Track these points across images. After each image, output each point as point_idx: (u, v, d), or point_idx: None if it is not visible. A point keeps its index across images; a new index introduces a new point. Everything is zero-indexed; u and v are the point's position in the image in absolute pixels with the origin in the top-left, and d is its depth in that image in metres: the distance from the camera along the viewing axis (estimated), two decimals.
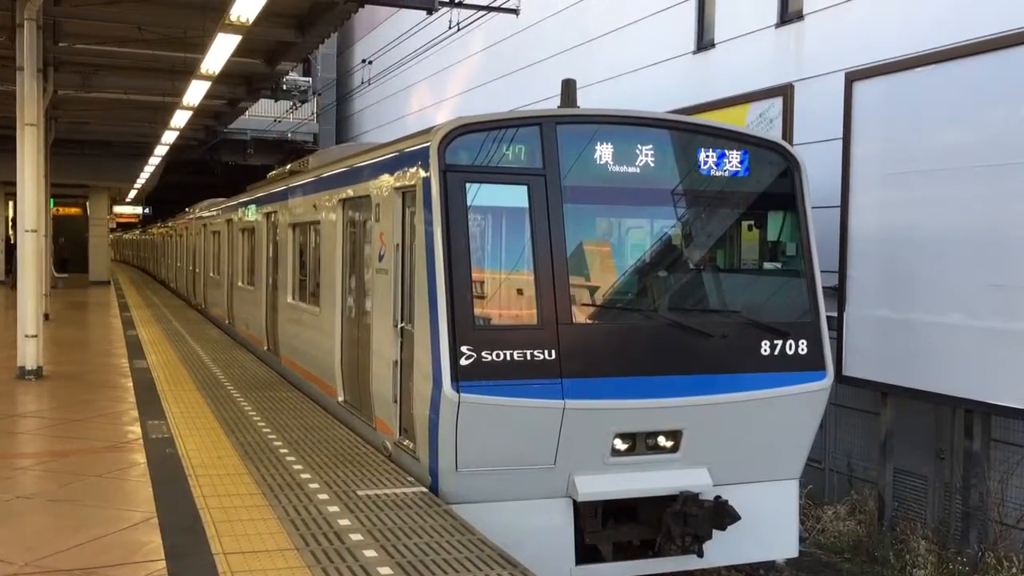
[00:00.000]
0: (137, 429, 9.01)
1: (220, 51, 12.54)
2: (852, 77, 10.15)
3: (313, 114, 37.44)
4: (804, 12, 13.19)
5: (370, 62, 28.61)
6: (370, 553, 5.54)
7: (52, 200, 26.73)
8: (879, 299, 9.74)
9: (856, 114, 10.07)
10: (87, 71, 18.45)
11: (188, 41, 14.46)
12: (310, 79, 35.21)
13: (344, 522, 6.14)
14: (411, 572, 5.24)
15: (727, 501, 7.39)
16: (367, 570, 5.25)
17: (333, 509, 6.43)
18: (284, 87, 21.91)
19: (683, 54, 15.82)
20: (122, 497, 6.83)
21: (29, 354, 12.19)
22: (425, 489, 7.04)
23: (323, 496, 6.74)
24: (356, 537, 5.84)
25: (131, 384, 11.68)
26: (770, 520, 7.93)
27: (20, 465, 7.85)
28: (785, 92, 10.84)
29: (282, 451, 8.15)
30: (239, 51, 12.84)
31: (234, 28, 11.12)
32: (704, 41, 15.48)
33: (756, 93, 11.44)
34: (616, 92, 16.71)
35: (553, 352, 7.01)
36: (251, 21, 10.81)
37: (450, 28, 19.18)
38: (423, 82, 28.52)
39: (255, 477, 7.24)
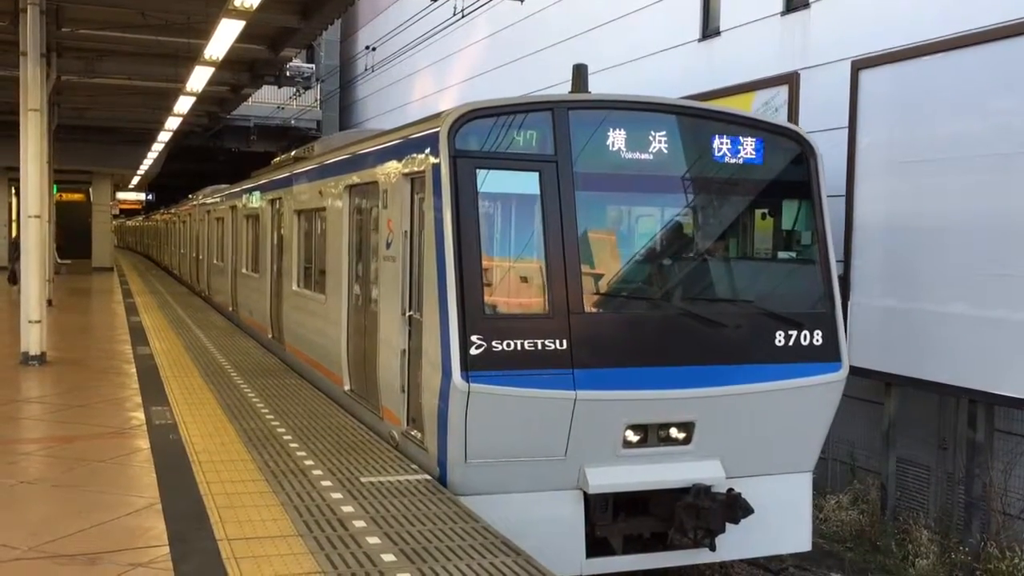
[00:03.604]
0: (141, 415, 9.02)
1: (223, 37, 12.48)
2: (858, 65, 10.11)
3: (317, 101, 37.42)
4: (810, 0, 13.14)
5: (374, 49, 28.59)
6: (373, 540, 5.54)
7: (55, 186, 26.70)
8: (884, 289, 9.71)
9: (862, 103, 10.03)
10: (90, 57, 18.42)
11: (191, 27, 14.41)
12: (313, 66, 35.22)
13: (348, 509, 6.14)
14: (414, 559, 5.24)
15: (740, 494, 7.27)
16: (370, 557, 5.25)
17: (337, 496, 6.42)
18: (287, 74, 21.87)
19: (688, 42, 15.76)
20: (125, 483, 6.83)
21: (33, 340, 12.19)
22: (428, 476, 7.03)
23: (327, 483, 6.74)
24: (359, 524, 5.84)
25: (134, 370, 11.68)
26: (783, 513, 7.79)
27: (24, 451, 7.86)
28: (791, 80, 10.79)
29: (285, 438, 8.15)
30: (242, 37, 12.79)
31: (237, 14, 11.07)
32: (709, 29, 15.43)
33: (761, 81, 11.39)
34: (620, 80, 16.63)
35: (564, 342, 6.91)
36: (254, 7, 10.77)
37: (454, 15, 19.15)
38: (427, 69, 28.46)
39: (258, 464, 7.24)
